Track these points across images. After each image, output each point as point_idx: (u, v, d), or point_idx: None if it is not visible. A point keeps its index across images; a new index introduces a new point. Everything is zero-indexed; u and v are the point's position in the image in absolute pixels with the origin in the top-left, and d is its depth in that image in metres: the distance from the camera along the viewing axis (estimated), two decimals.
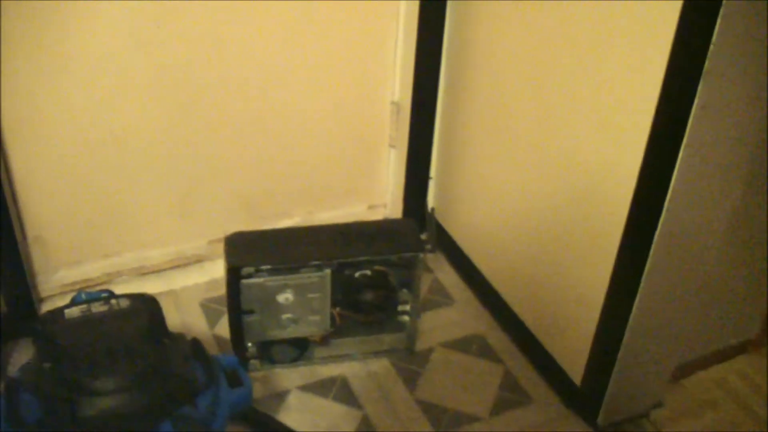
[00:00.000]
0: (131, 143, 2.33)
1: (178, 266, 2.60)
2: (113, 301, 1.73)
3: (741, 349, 2.52)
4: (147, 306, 1.75)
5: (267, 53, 2.36)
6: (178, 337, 1.82)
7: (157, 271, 2.58)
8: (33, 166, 2.23)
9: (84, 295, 1.79)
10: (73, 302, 1.76)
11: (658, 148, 1.76)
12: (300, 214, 2.70)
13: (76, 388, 1.62)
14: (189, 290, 2.58)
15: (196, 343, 1.87)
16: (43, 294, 2.43)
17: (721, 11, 1.54)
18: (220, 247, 2.23)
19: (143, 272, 2.55)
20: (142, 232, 2.51)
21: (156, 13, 2.16)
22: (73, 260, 2.44)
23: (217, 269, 2.59)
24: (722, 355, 2.48)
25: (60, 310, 1.71)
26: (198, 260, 2.62)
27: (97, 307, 1.71)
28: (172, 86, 2.29)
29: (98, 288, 2.27)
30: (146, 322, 1.72)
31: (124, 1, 2.10)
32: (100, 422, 1.62)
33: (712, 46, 1.58)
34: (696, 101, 1.65)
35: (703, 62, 1.60)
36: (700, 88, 1.63)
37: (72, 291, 2.37)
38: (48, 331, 1.68)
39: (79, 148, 2.27)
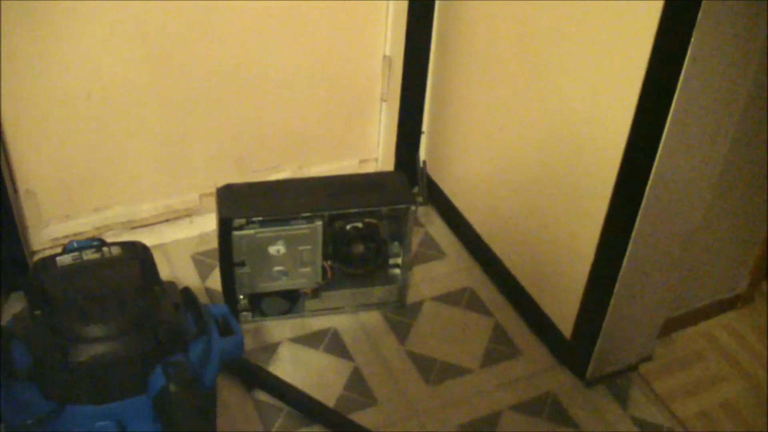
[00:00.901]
0: (120, 97, 2.31)
1: (168, 220, 2.60)
2: (105, 249, 1.72)
3: (730, 304, 2.54)
4: (138, 254, 1.75)
5: (257, 6, 2.34)
6: (169, 286, 1.82)
7: (147, 225, 2.57)
8: (23, 120, 2.22)
9: (75, 244, 1.78)
10: (65, 250, 1.75)
11: (649, 101, 1.76)
12: (290, 168, 2.69)
13: (67, 335, 1.62)
14: (179, 244, 2.58)
15: (187, 292, 1.87)
16: (34, 248, 2.43)
17: None
18: (210, 201, 2.23)
19: (133, 226, 2.55)
20: (131, 186, 2.50)
21: None
22: (63, 214, 2.43)
23: (207, 223, 2.59)
24: (711, 310, 2.50)
25: (52, 258, 1.70)
26: (188, 214, 2.61)
27: (89, 255, 1.71)
28: (161, 40, 2.27)
29: None
30: (137, 269, 1.72)
31: None
32: (91, 369, 1.62)
33: None
34: (688, 52, 1.64)
35: (697, 12, 1.59)
36: (693, 39, 1.63)
37: (62, 245, 2.36)
38: (39, 278, 1.68)
39: (68, 102, 2.25)
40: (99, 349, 1.62)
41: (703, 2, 1.57)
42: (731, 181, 2.11)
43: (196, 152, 2.52)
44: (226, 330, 1.90)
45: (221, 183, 2.23)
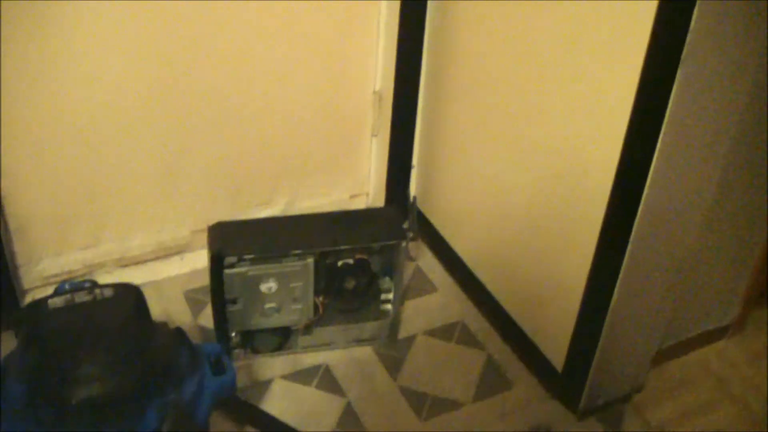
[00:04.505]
0: (112, 132, 2.32)
1: (159, 257, 2.60)
2: (97, 291, 1.73)
3: (721, 333, 2.54)
4: (130, 295, 1.75)
5: (251, 41, 2.36)
6: (161, 325, 1.83)
7: (139, 262, 2.57)
8: (14, 156, 2.22)
9: (67, 286, 1.79)
10: (57, 292, 1.76)
11: (638, 133, 1.77)
12: (282, 202, 2.71)
13: (61, 375, 1.63)
14: (171, 281, 2.58)
15: (179, 332, 1.87)
16: (26, 286, 2.42)
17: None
18: (202, 238, 2.23)
19: (125, 263, 2.55)
20: (123, 223, 2.50)
21: None
22: (54, 252, 2.43)
23: (199, 259, 2.58)
24: (703, 339, 2.50)
25: (43, 300, 1.71)
26: (180, 251, 2.62)
27: (81, 297, 1.71)
28: (155, 76, 2.29)
29: (80, 279, 2.27)
30: (130, 310, 1.72)
31: None
32: (85, 409, 1.62)
33: (690, 33, 1.59)
34: (675, 86, 1.66)
35: (682, 48, 1.61)
36: (679, 73, 1.64)
37: (54, 283, 2.36)
38: (31, 320, 1.68)
39: (60, 137, 2.26)
40: (91, 390, 1.62)
41: (689, 38, 1.59)
42: (721, 212, 2.13)
43: (187, 188, 2.53)
44: (218, 369, 1.91)
45: (212, 218, 2.23)
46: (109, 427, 1.65)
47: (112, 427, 1.65)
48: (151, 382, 1.67)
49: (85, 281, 1.80)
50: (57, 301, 1.70)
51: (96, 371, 1.62)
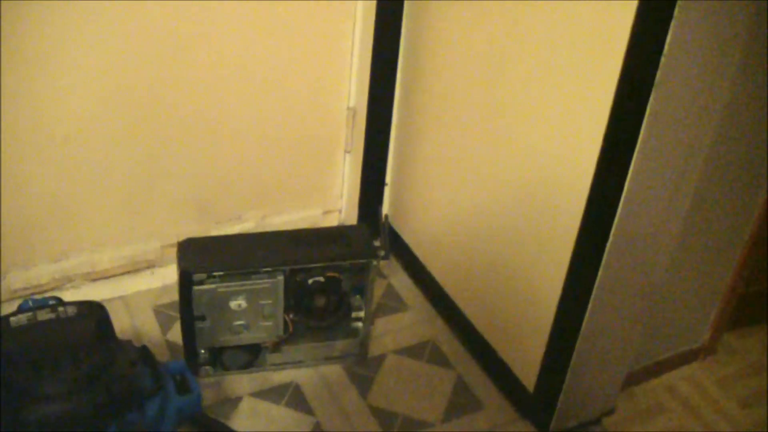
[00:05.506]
0: (82, 144, 2.30)
1: (129, 271, 2.58)
2: (60, 309, 1.71)
3: (692, 356, 2.54)
4: (94, 313, 1.74)
5: (223, 57, 2.35)
6: (125, 344, 1.81)
7: (108, 276, 2.55)
8: None
9: (31, 302, 1.77)
10: (20, 310, 1.73)
11: (611, 155, 1.77)
12: (254, 218, 2.69)
13: (21, 393, 1.61)
14: (141, 295, 2.55)
15: (144, 350, 1.86)
16: None
17: (675, 14, 1.55)
18: (173, 252, 2.21)
19: (94, 277, 2.52)
20: (92, 236, 2.47)
21: (111, 13, 2.13)
22: (22, 263, 2.40)
23: (169, 274, 2.56)
24: (674, 362, 2.50)
25: (6, 318, 1.69)
26: (150, 265, 2.59)
27: (44, 315, 1.69)
28: (125, 86, 2.27)
29: (48, 293, 2.25)
30: (93, 329, 1.71)
31: (80, 1, 2.08)
32: (45, 427, 1.61)
33: (664, 55, 1.59)
34: (648, 108, 1.66)
35: (656, 70, 1.61)
36: (652, 96, 1.64)
37: (21, 297, 2.34)
38: None
39: (29, 149, 2.23)
40: (52, 407, 1.61)
41: (664, 55, 1.59)
42: (693, 236, 2.13)
43: (158, 202, 2.51)
44: (183, 387, 1.89)
45: (183, 233, 2.22)
46: None
47: None
48: (113, 402, 1.65)
49: (49, 298, 1.79)
50: (19, 319, 1.68)
51: (56, 391, 1.61)
